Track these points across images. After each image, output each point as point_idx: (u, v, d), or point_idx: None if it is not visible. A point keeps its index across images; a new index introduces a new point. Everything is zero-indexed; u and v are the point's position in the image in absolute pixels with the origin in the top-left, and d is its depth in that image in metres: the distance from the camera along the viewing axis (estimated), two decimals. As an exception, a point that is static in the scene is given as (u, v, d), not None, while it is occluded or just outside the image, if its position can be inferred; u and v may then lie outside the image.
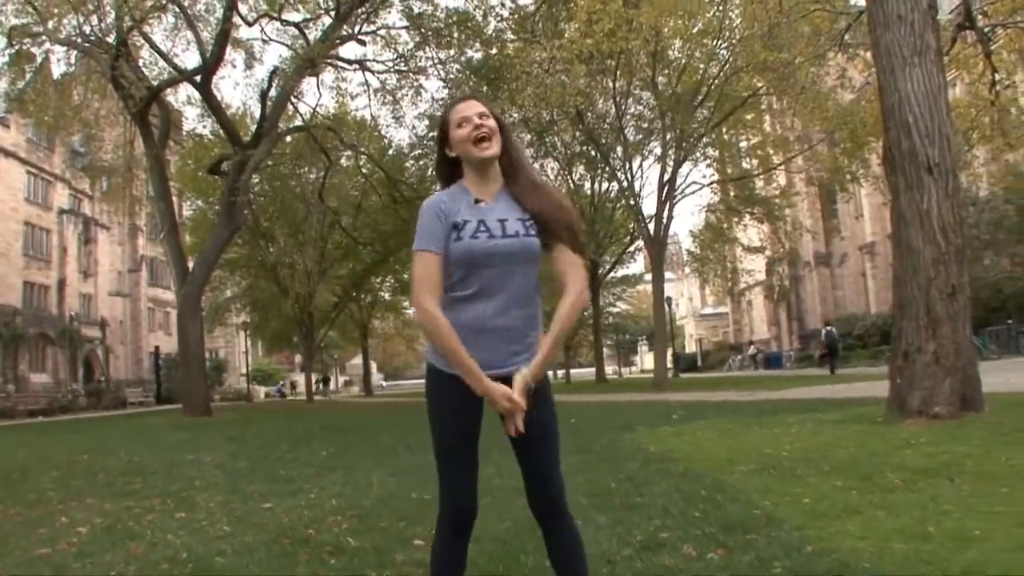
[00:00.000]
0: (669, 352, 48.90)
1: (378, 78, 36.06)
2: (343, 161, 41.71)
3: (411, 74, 35.45)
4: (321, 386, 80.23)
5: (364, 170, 41.18)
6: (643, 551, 5.21)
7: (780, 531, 5.41)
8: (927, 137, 11.47)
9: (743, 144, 41.16)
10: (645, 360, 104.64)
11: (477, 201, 3.52)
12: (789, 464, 8.40)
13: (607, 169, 41.78)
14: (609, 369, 76.18)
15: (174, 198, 37.08)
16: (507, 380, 3.38)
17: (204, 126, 40.67)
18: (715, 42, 32.53)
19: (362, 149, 40.63)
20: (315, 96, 63.20)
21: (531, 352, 3.48)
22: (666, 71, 34.70)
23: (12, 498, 9.65)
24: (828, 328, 42.54)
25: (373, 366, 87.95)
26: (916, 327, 11.49)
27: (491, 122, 3.49)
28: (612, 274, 58.87)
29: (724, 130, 37.13)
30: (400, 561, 5.39)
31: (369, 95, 39.95)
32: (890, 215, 12.52)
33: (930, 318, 11.29)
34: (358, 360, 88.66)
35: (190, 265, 32.41)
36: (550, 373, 3.71)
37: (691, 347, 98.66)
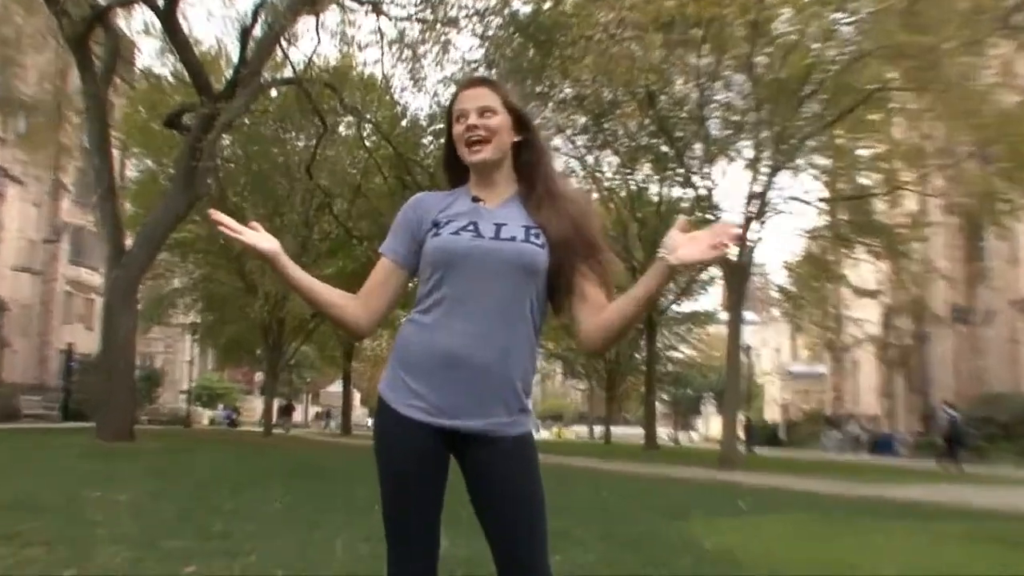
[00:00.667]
0: (742, 418, 48.68)
1: (396, 26, 35.93)
2: (342, 129, 41.71)
3: (438, 25, 35.34)
4: (277, 416, 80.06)
5: (368, 143, 41.07)
6: None
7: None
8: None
9: (863, 152, 40.74)
10: (710, 424, 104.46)
11: (476, 200, 3.58)
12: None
13: (680, 171, 41.50)
14: (663, 431, 76.06)
15: (116, 152, 36.90)
16: (470, 438, 3.37)
17: (164, 64, 40.68)
18: (837, 15, 32.24)
19: (368, 116, 40.55)
20: (312, 41, 62.90)
21: (520, 412, 3.45)
22: (769, 49, 34.40)
23: None
24: (949, 411, 41.99)
25: (356, 397, 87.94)
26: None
27: (493, 120, 3.53)
28: (675, 308, 58.67)
29: (839, 132, 36.78)
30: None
31: (382, 47, 39.45)
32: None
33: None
34: (337, 387, 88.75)
35: (128, 242, 32.35)
36: (534, 429, 3.66)
37: (772, 413, 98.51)
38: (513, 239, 3.41)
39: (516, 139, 3.61)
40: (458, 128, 3.55)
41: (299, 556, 8.61)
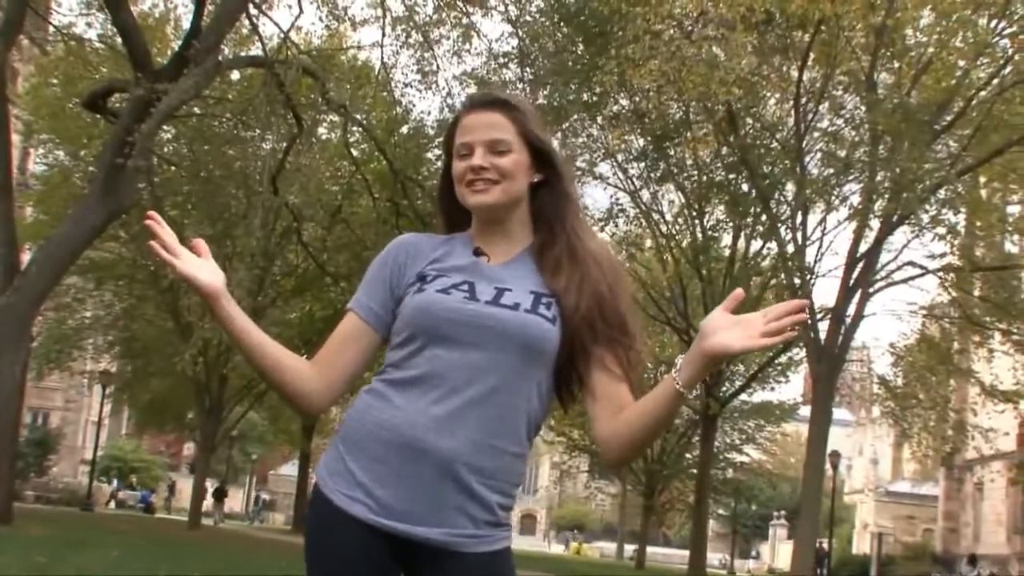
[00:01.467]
0: (823, 544, 48.52)
1: (403, 1, 36.00)
2: (322, 131, 41.51)
3: (459, 2, 35.36)
4: (210, 501, 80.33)
5: (356, 152, 40.95)
6: None
7: None
8: None
9: (1012, 209, 40.53)
10: (779, 553, 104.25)
11: (477, 252, 3.47)
12: None
13: (764, 218, 41.36)
14: (716, 558, 75.82)
15: (15, 138, 36.82)
16: (427, 551, 3.24)
17: (90, 25, 40.65)
18: (992, 24, 31.99)
19: (358, 116, 40.12)
20: (291, 12, 62.25)
21: (489, 523, 3.32)
22: (895, 64, 34.30)
23: None
24: None
25: (311, 480, 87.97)
26: None
27: (505, 160, 3.39)
28: (742, 398, 58.41)
29: (982, 180, 36.61)
30: None
31: (383, 26, 39.19)
32: None
33: None
34: (290, 469, 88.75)
35: (25, 258, 32.23)
36: (512, 544, 3.57)
37: (864, 545, 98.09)
38: (516, 307, 3.28)
39: (534, 180, 3.49)
40: (459, 165, 3.42)
41: None
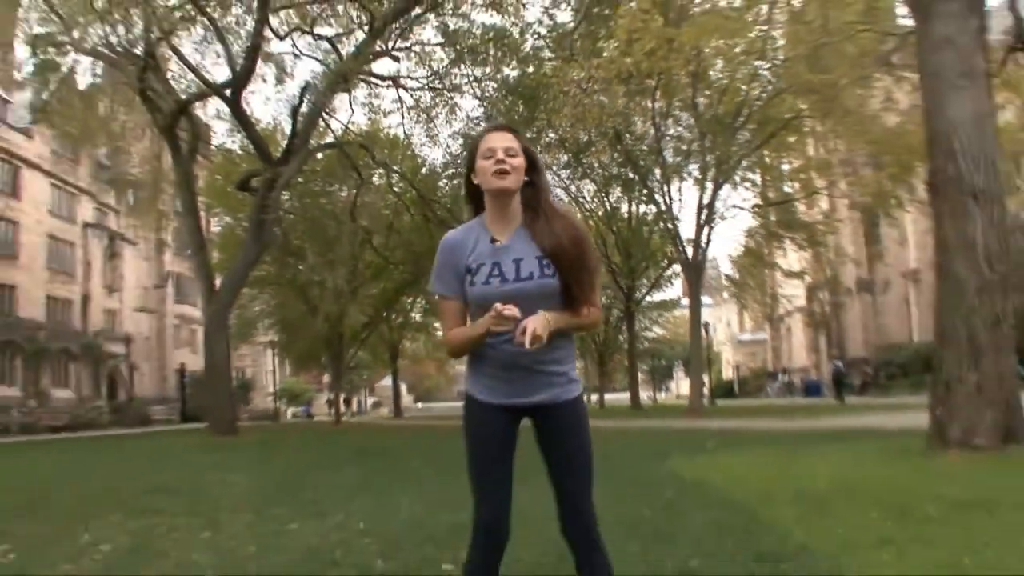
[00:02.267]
0: (705, 378, 48.87)
1: (412, 95, 36.22)
2: (375, 179, 41.44)
3: (446, 91, 35.57)
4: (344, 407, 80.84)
5: (396, 188, 41.13)
6: (673, 580, 5.30)
7: (813, 561, 5.48)
8: (973, 163, 11.50)
9: (785, 167, 40.97)
10: (681, 386, 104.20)
11: (494, 240, 3.65)
12: (825, 495, 8.44)
13: (645, 191, 41.76)
14: (644, 394, 75.94)
15: (202, 213, 37.16)
16: (535, 409, 3.65)
17: (233, 141, 40.79)
18: (758, 63, 32.50)
19: (395, 167, 40.49)
20: (347, 112, 63.50)
21: (568, 383, 3.69)
22: (707, 92, 34.69)
23: (35, 514, 9.73)
24: (835, 362, 49.39)
25: (403, 387, 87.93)
26: (958, 357, 11.50)
27: (516, 160, 3.61)
28: (648, 299, 58.75)
29: (765, 153, 37.05)
30: (429, 583, 5.46)
31: (403, 112, 39.14)
32: (934, 242, 12.53)
33: (973, 347, 11.30)
34: (387, 382, 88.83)
35: (217, 282, 32.57)
36: (584, 398, 3.85)
37: (728, 373, 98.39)
38: (531, 276, 3.55)
39: (526, 179, 3.65)
40: (486, 163, 3.59)
41: (373, 515, 8.79)
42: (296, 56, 36.95)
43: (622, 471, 11.98)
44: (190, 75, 32.30)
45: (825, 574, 5.13)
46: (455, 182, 42.40)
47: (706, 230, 35.30)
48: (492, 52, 33.67)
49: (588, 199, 47.71)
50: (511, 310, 3.33)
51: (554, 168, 42.99)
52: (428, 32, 35.68)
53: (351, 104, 39.64)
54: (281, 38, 31.91)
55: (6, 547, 7.55)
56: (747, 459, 12.90)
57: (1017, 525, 6.24)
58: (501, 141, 3.62)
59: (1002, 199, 11.93)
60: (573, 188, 46.32)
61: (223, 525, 8.56)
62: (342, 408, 65.49)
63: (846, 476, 9.95)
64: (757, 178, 40.24)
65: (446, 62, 34.88)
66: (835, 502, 8.02)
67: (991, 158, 11.62)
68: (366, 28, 31.34)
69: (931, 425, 12.09)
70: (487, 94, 35.74)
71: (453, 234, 3.78)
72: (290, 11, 31.23)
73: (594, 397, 72.09)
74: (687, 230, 63.56)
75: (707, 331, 58.32)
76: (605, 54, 28.08)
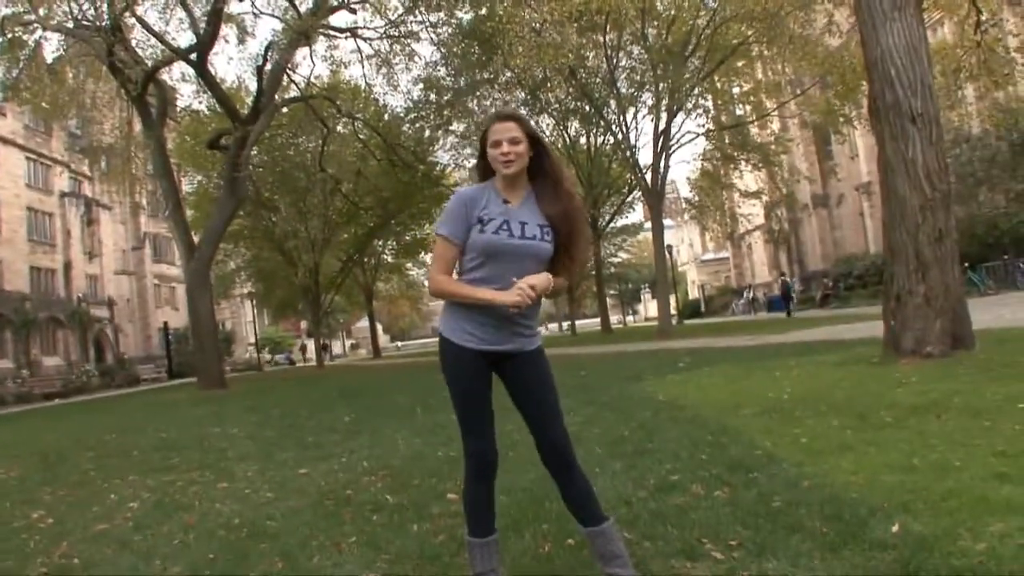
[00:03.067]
0: (672, 299, 49.32)
1: (370, 45, 36.09)
2: (340, 128, 41.30)
3: (403, 39, 35.46)
4: (290, 357, 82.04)
5: (362, 136, 40.86)
6: (656, 492, 5.76)
7: (779, 469, 5.95)
8: (910, 88, 11.87)
9: (736, 91, 41.13)
10: (649, 308, 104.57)
11: (505, 201, 4.08)
12: (789, 406, 8.88)
13: (602, 123, 42.01)
14: (613, 319, 76.15)
15: (174, 174, 37.10)
16: (506, 355, 4.10)
17: (200, 102, 40.54)
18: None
19: (358, 116, 40.45)
20: (309, 66, 62.68)
21: (533, 335, 4.18)
22: (655, 23, 34.67)
23: (56, 480, 10.05)
24: (783, 277, 52.47)
25: (379, 328, 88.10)
26: (906, 271, 11.94)
27: (519, 147, 4.03)
28: (612, 225, 58.81)
29: (716, 79, 37.12)
30: (437, 513, 5.93)
31: (362, 62, 39.65)
32: (877, 164, 12.91)
33: (919, 262, 11.73)
34: (364, 323, 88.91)
35: (195, 239, 32.64)
36: (541, 328, 4.35)
37: (694, 293, 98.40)
38: (534, 238, 4.01)
39: (531, 155, 4.09)
40: (494, 152, 4.03)
41: (374, 453, 9.20)
42: (256, 15, 37.21)
43: (600, 395, 12.41)
44: (155, 42, 32.26)
45: (791, 479, 5.60)
46: (417, 125, 42.49)
47: (664, 157, 35.41)
48: (445, -3, 33.61)
49: (548, 133, 47.68)
50: (527, 291, 3.82)
51: (512, 105, 43.18)
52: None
53: (312, 58, 39.61)
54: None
55: (41, 512, 7.94)
56: (716, 376, 13.31)
57: (960, 428, 6.68)
58: (505, 132, 4.04)
59: (938, 120, 12.31)
60: (532, 123, 46.24)
61: (236, 475, 8.97)
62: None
63: (808, 387, 10.39)
64: (710, 104, 40.34)
65: (401, 10, 34.66)
66: (798, 412, 8.45)
67: (927, 83, 11.99)
68: (322, -17, 31.32)
69: (886, 336, 12.56)
70: (443, 38, 35.79)
71: (469, 190, 4.18)
72: (248, -29, 31.17)
73: (565, 324, 72.43)
74: (645, 157, 63.95)
75: (671, 253, 58.60)
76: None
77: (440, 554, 4.94)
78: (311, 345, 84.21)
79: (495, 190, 4.13)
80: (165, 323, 66.50)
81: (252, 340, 78.48)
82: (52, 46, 31.88)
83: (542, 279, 3.91)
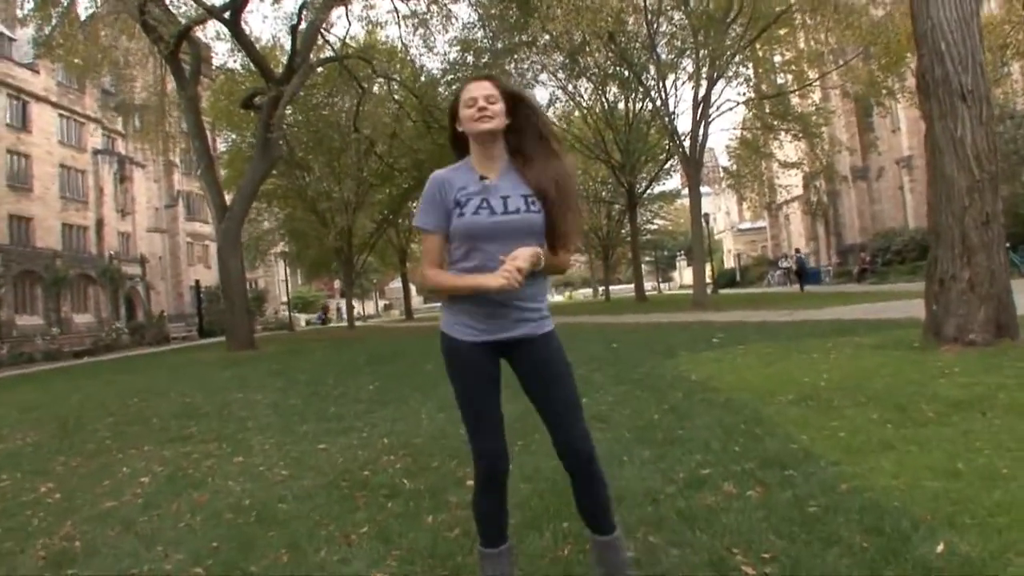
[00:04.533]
0: (708, 268, 49.13)
1: (407, 4, 35.99)
2: (375, 89, 41.24)
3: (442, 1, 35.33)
4: (324, 315, 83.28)
5: (397, 97, 40.76)
6: (685, 488, 5.48)
7: (816, 467, 5.65)
8: (960, 64, 11.49)
9: (777, 60, 40.79)
10: (684, 275, 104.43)
11: (482, 178, 3.73)
12: (827, 394, 8.57)
13: (641, 89, 41.67)
14: (648, 285, 76.01)
15: (207, 133, 37.08)
16: (512, 344, 3.77)
17: (235, 60, 40.29)
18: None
19: (394, 77, 40.25)
20: (344, 26, 62.60)
21: (541, 319, 3.82)
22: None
23: (72, 448, 9.95)
24: (797, 253, 54.22)
25: (412, 289, 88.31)
26: (951, 255, 11.59)
27: (496, 106, 3.71)
28: (649, 192, 58.70)
29: (758, 47, 36.80)
30: (454, 503, 5.67)
31: (399, 23, 39.56)
32: (924, 142, 12.56)
33: (965, 246, 11.38)
34: (398, 284, 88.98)
35: (228, 199, 32.63)
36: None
37: (729, 262, 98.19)
38: (518, 211, 3.65)
39: (507, 122, 3.74)
40: (469, 111, 3.69)
41: (396, 428, 9.00)
42: (292, -27, 36.60)
43: (631, 371, 12.17)
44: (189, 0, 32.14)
45: (828, 481, 5.31)
46: (454, 87, 42.17)
47: (703, 125, 35.18)
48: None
49: (586, 98, 47.67)
50: (514, 271, 3.46)
51: (551, 69, 43.07)
52: (422, -60, 35.42)
53: (348, 18, 39.40)
54: (277, -44, 31.63)
55: (51, 485, 7.81)
56: (751, 356, 12.99)
57: (1007, 428, 6.35)
58: (480, 90, 3.72)
59: (989, 98, 11.92)
60: (570, 87, 46.29)
61: (254, 449, 8.81)
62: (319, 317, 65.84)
63: (846, 372, 10.07)
64: (751, 72, 40.03)
65: (441, -33, 34.43)
66: (836, 401, 8.16)
67: (978, 59, 11.61)
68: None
69: (927, 320, 12.21)
70: (481, 0, 35.57)
71: (441, 172, 3.82)
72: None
73: (600, 289, 72.40)
74: (684, 125, 63.32)
75: (707, 222, 58.61)
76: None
77: (453, 552, 4.70)
78: (333, 305, 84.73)
79: (470, 168, 3.79)
80: (197, 281, 66.76)
81: (284, 299, 78.65)
82: (85, 2, 31.88)
83: (527, 253, 3.54)
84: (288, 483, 6.89)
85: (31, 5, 30.09)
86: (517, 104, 3.80)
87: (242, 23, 30.94)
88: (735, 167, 48.88)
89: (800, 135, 41.68)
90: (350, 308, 57.49)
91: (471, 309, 3.72)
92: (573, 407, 3.79)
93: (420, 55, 41.85)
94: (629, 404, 9.16)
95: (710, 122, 36.60)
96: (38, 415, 14.22)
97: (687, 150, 35.97)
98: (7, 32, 51.72)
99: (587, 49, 36.38)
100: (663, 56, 39.13)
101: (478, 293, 3.63)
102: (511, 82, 42.20)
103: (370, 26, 40.40)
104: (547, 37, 34.88)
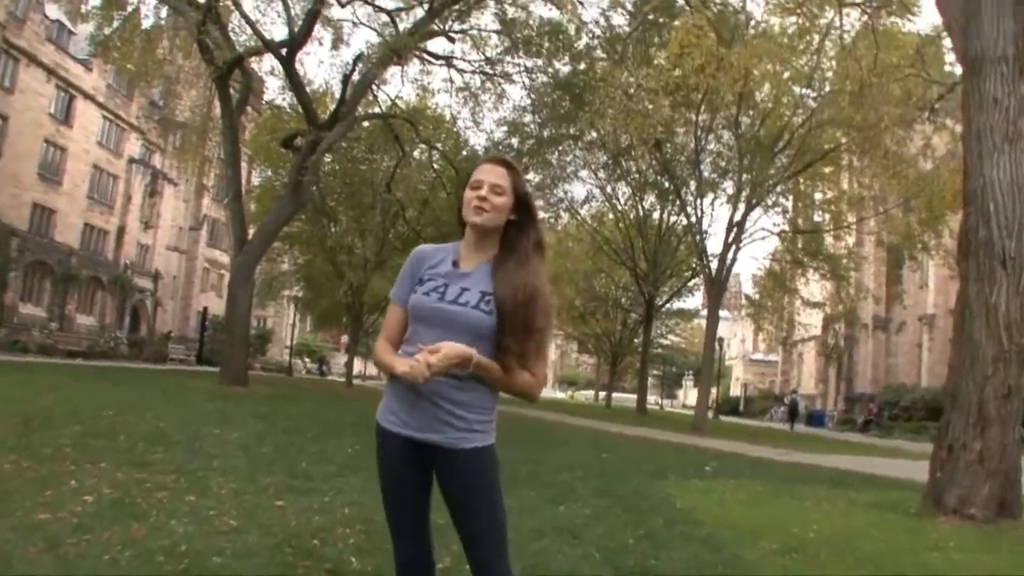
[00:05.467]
0: (713, 392, 48.87)
1: (463, 77, 36.05)
2: (416, 154, 41.42)
3: (496, 78, 35.39)
4: (322, 367, 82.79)
5: (436, 166, 40.90)
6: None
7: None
8: (1006, 228, 11.18)
9: (817, 196, 40.86)
10: (688, 395, 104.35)
11: (454, 264, 3.49)
12: (814, 548, 8.15)
13: (678, 202, 41.71)
14: (651, 399, 75.89)
15: (244, 165, 37.02)
16: (434, 449, 3.37)
17: (283, 99, 40.25)
18: (804, 91, 32.44)
19: (437, 145, 40.38)
20: (397, 86, 63.02)
21: (468, 431, 3.38)
22: (750, 112, 34.78)
23: (27, 450, 9.55)
24: (793, 395, 57.32)
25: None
26: (965, 423, 11.21)
27: (499, 199, 3.45)
28: (668, 306, 58.74)
29: (800, 180, 36.88)
30: (398, 594, 5.24)
31: (451, 93, 39.49)
32: (956, 301, 12.23)
33: (981, 415, 11.00)
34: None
35: (250, 233, 32.53)
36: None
37: (736, 390, 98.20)
38: (466, 304, 3.35)
39: (511, 218, 3.51)
40: (470, 194, 3.44)
41: (360, 499, 8.56)
42: (354, 24, 36.53)
43: (615, 486, 11.76)
44: (249, 30, 32.18)
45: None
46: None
47: (733, 249, 35.23)
48: (546, 45, 33.52)
49: (621, 201, 47.77)
50: (427, 360, 3.17)
51: (592, 167, 43.19)
52: (486, 18, 35.52)
53: (402, 78, 39.71)
54: (343, 5, 31.73)
55: (-10, 484, 7.43)
56: (741, 492, 12.60)
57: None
58: (491, 176, 3.48)
59: (1030, 268, 11.61)
60: (609, 188, 46.54)
61: (210, 490, 8.37)
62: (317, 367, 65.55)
63: (836, 528, 9.65)
64: (788, 203, 40.11)
65: (500, 49, 34.80)
66: (823, 556, 7.76)
67: (1025, 225, 11.33)
68: (426, 6, 31.20)
69: (928, 486, 11.79)
70: (536, 85, 35.65)
71: (426, 247, 3.67)
72: (355, -21, 31.16)
73: (601, 394, 72.16)
74: (714, 246, 63.17)
75: (721, 346, 58.47)
76: (655, 62, 27.91)
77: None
78: (337, 359, 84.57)
79: (454, 251, 3.56)
80: (205, 308, 66.68)
81: (288, 343, 78.44)
82: (149, 11, 32.03)
83: (453, 351, 3.20)
84: (232, 536, 6.45)
85: (97, 2, 30.27)
86: (519, 204, 3.53)
87: (297, 63, 30.93)
88: (758, 296, 48.86)
89: (828, 275, 41.61)
90: (350, 365, 57.17)
91: (399, 394, 3.42)
92: (487, 543, 3.40)
93: (466, 128, 41.57)
94: (606, 521, 8.74)
95: (741, 247, 36.53)
96: (6, 407, 13.84)
97: (713, 271, 35.90)
98: (68, 24, 52.12)
99: (632, 153, 36.65)
100: (705, 173, 39.18)
101: (393, 376, 3.37)
102: (551, 172, 43.46)
103: (422, 91, 40.52)
104: (594, 134, 34.99)
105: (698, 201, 38.74)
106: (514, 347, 3.34)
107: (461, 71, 35.58)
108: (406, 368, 3.15)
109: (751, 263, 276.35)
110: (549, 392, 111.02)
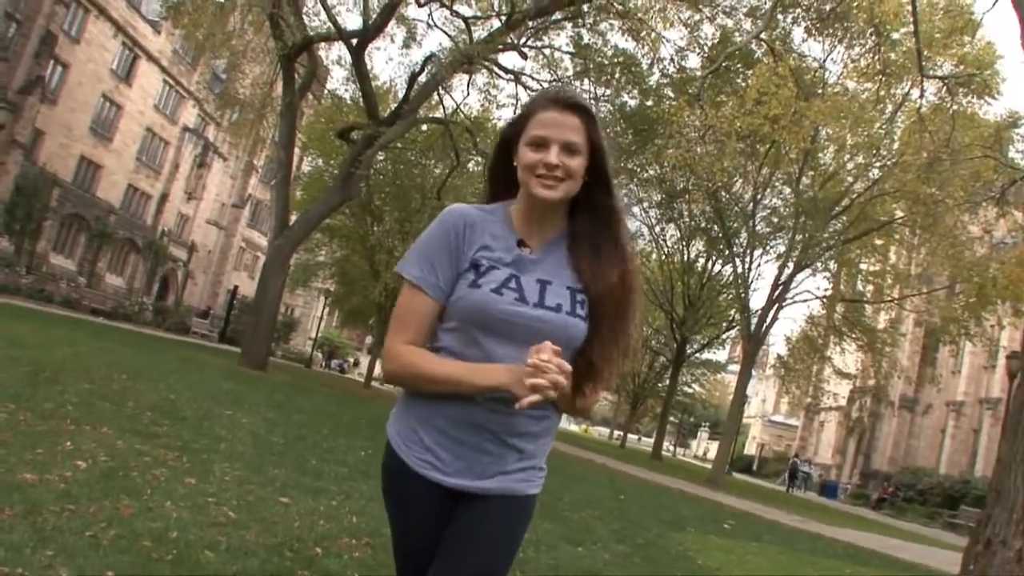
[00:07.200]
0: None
1: (529, 94, 35.70)
2: (471, 165, 41.16)
3: (563, 101, 35.10)
4: (330, 361, 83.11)
5: (488, 179, 40.74)
6: None
7: None
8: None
9: (864, 266, 40.38)
10: (701, 445, 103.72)
11: (520, 244, 2.56)
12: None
13: (727, 252, 41.27)
14: (664, 444, 75.49)
15: (296, 150, 36.77)
16: (476, 498, 2.49)
17: (346, 90, 40.57)
18: (870, 159, 32.07)
19: (494, 160, 40.05)
20: (462, 93, 62.55)
21: (533, 470, 2.56)
22: (812, 173, 34.38)
23: (29, 401, 9.18)
24: (795, 459, 58.04)
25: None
26: (1008, 518, 10.59)
27: (575, 161, 2.48)
28: (697, 355, 58.39)
29: (852, 248, 36.40)
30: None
31: (516, 108, 39.35)
32: (1012, 397, 11.68)
33: (1025, 514, 10.43)
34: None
35: (291, 219, 32.31)
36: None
37: (751, 448, 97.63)
38: (558, 308, 2.45)
39: (586, 178, 2.52)
40: (532, 156, 2.46)
41: (369, 507, 8.02)
42: (429, 26, 36.26)
43: (635, 534, 11.19)
44: (323, 15, 32.05)
45: None
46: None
47: (776, 307, 34.77)
48: (617, 75, 33.24)
49: (669, 244, 47.54)
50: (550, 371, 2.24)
51: (645, 204, 42.98)
52: (561, 39, 34.90)
53: (468, 87, 38.68)
54: (420, 5, 31.51)
55: (-22, 437, 6.97)
56: (762, 557, 12.10)
57: None
58: (561, 132, 2.48)
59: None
60: (658, 229, 46.43)
61: (213, 475, 7.86)
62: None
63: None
64: (834, 268, 39.68)
65: (571, 72, 34.55)
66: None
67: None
68: (503, 18, 30.88)
69: (959, 577, 11.22)
70: (602, 114, 35.22)
71: (469, 210, 2.62)
72: (436, -19, 30.98)
73: (617, 433, 71.71)
74: (756, 301, 62.98)
75: (744, 403, 57.87)
76: (724, 109, 27.38)
77: None
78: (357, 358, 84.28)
79: (508, 222, 2.59)
80: (235, 287, 66.45)
81: (313, 335, 78.24)
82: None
83: (563, 363, 2.28)
84: (229, 529, 5.90)
85: (176, -34, 30.23)
86: (595, 161, 2.55)
87: (365, 55, 30.76)
88: (790, 359, 48.31)
89: (866, 348, 40.99)
90: (372, 367, 56.91)
91: (441, 425, 2.48)
92: None
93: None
94: (626, 569, 8.22)
95: (783, 307, 36.05)
96: (18, 354, 13.52)
97: (752, 327, 35.45)
98: (143, -18, 52.16)
99: (687, 196, 36.25)
100: (759, 227, 38.74)
101: (466, 395, 2.42)
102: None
103: (487, 102, 40.17)
104: (652, 172, 34.64)
105: (748, 253, 38.55)
106: (603, 361, 2.50)
107: (528, 88, 35.21)
108: (525, 384, 2.25)
109: (787, 323, 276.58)
110: (564, 423, 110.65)
